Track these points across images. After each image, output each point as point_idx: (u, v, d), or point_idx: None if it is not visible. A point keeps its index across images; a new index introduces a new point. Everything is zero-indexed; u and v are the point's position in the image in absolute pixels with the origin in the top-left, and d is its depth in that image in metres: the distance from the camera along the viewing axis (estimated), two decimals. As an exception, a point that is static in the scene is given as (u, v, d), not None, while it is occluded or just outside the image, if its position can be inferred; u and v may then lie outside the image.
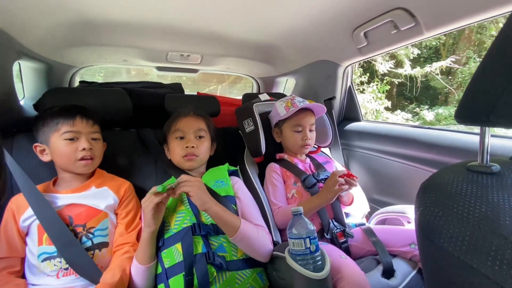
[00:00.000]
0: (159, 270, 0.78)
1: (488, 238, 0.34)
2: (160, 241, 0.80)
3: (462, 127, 0.92)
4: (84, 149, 0.82)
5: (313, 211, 0.97)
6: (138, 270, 0.75)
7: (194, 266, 0.72)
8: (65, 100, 0.94)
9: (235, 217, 0.79)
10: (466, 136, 0.99)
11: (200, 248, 0.76)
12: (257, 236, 0.80)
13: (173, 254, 0.77)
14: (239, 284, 0.75)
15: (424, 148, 1.09)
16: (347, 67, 1.41)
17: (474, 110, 0.45)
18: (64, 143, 0.81)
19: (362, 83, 5.20)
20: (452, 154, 0.98)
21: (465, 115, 0.47)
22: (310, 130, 1.10)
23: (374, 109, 5.06)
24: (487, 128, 0.46)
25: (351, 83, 1.50)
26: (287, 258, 0.69)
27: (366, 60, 1.29)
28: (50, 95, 0.98)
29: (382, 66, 5.11)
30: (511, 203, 0.38)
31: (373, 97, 5.09)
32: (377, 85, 5.23)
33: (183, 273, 0.72)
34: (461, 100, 0.47)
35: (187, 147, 0.92)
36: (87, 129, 0.84)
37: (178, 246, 0.77)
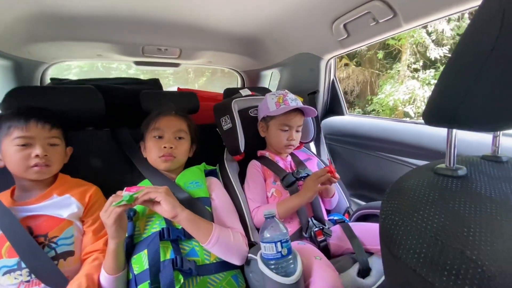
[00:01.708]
0: (130, 276, 0.75)
1: (444, 251, 0.33)
2: (128, 248, 0.77)
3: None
4: (37, 155, 0.75)
5: (292, 210, 0.95)
6: (106, 281, 0.72)
7: (160, 273, 0.70)
8: (29, 99, 0.89)
9: (207, 223, 0.77)
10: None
11: (168, 254, 0.74)
12: (231, 241, 0.78)
13: (142, 260, 0.74)
14: None
15: (408, 142, 1.08)
16: (329, 60, 1.38)
17: (440, 111, 0.43)
18: (15, 149, 0.75)
19: (416, 70, 4.89)
20: (437, 148, 0.97)
21: (431, 116, 0.45)
22: (297, 131, 1.07)
23: (424, 96, 4.78)
24: (453, 130, 0.44)
25: (335, 76, 1.47)
26: (258, 263, 0.67)
27: (348, 52, 1.26)
28: (13, 94, 0.92)
29: (435, 52, 4.67)
30: (471, 212, 0.36)
31: (421, 84, 4.77)
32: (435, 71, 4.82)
33: (148, 281, 0.69)
34: (428, 100, 0.45)
35: (165, 147, 0.88)
36: (42, 134, 0.78)
37: (147, 252, 0.74)
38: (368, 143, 1.27)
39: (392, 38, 5.17)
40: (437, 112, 0.43)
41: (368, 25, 0.97)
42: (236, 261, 0.79)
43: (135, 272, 0.73)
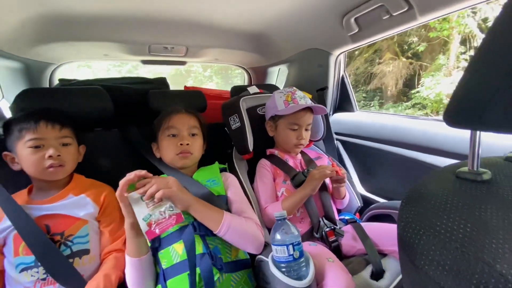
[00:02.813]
0: (158, 270, 0.75)
1: (471, 264, 0.31)
2: (156, 241, 0.77)
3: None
4: (50, 156, 0.76)
5: (298, 204, 0.94)
6: (131, 265, 0.71)
7: (197, 266, 0.69)
8: (39, 101, 0.89)
9: (217, 211, 0.77)
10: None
11: (201, 248, 0.74)
12: (244, 227, 0.77)
13: (170, 255, 0.74)
14: (233, 286, 0.73)
15: (422, 140, 1.04)
16: (339, 55, 1.34)
17: (464, 112, 0.40)
18: (29, 151, 0.75)
19: (465, 60, 4.47)
20: (454, 147, 0.93)
21: (454, 117, 0.42)
22: (306, 129, 1.05)
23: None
24: (478, 131, 0.41)
25: (344, 72, 1.43)
26: (270, 266, 0.66)
27: (358, 47, 1.22)
28: (23, 96, 0.93)
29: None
30: (499, 221, 0.34)
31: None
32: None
33: (187, 272, 0.68)
34: (450, 100, 0.42)
35: (181, 144, 0.87)
36: (53, 135, 0.78)
37: (176, 246, 0.75)
38: (379, 140, 1.23)
39: (435, 30, 4.82)
40: (461, 113, 0.41)
41: (381, 19, 0.94)
42: (252, 249, 0.78)
43: (164, 267, 0.73)
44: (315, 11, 1.09)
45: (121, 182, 0.67)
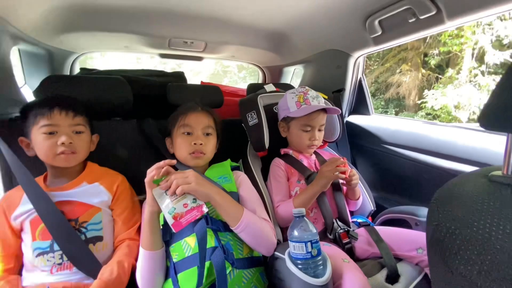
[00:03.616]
0: (168, 263, 0.76)
1: (511, 264, 0.30)
2: (167, 235, 0.77)
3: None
4: (63, 143, 0.76)
5: (309, 201, 0.94)
6: (143, 257, 0.72)
7: (209, 259, 0.70)
8: (62, 88, 0.91)
9: (238, 207, 0.77)
10: (490, 136, 0.92)
11: (212, 242, 0.74)
12: (260, 227, 0.78)
13: (182, 248, 0.75)
14: (245, 283, 0.73)
15: (438, 146, 1.03)
16: (358, 57, 1.33)
17: (501, 115, 0.40)
18: (43, 137, 0.76)
19: (475, 75, 4.41)
20: (472, 155, 0.92)
21: (490, 120, 0.42)
22: (319, 130, 1.04)
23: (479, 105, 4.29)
24: None
25: (362, 74, 1.42)
26: (286, 262, 0.66)
27: (380, 50, 1.21)
28: (48, 82, 0.95)
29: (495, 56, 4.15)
30: None
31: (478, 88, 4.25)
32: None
33: (197, 266, 0.69)
34: (486, 102, 0.42)
35: (195, 144, 0.88)
36: (66, 122, 0.79)
37: (188, 239, 0.75)
38: (394, 144, 1.22)
39: (446, 45, 4.81)
40: (498, 116, 0.40)
41: (407, 22, 0.93)
42: (264, 251, 0.78)
43: (175, 260, 0.74)
44: (338, 12, 1.09)
45: (149, 171, 0.69)
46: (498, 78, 4.36)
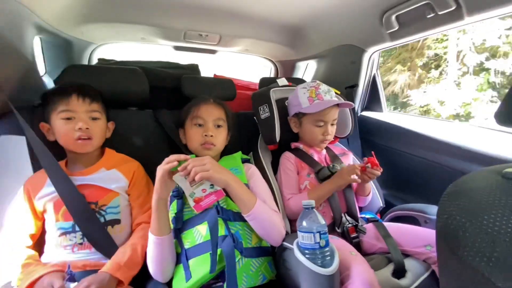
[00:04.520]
0: (178, 250, 0.79)
1: None
2: (179, 223, 0.80)
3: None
4: (80, 128, 0.80)
5: (323, 197, 0.95)
6: (152, 243, 0.75)
7: (219, 246, 0.73)
8: (83, 77, 0.95)
9: (251, 194, 0.79)
10: (505, 135, 0.91)
11: (223, 230, 0.76)
12: (271, 217, 0.80)
13: (194, 235, 0.77)
14: (253, 272, 0.75)
15: (450, 145, 1.02)
16: (373, 53, 1.31)
17: None
18: (62, 122, 0.80)
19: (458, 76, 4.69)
20: (484, 155, 0.91)
21: (507, 116, 0.42)
22: (332, 124, 1.04)
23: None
24: None
25: (377, 70, 1.41)
26: (295, 251, 0.68)
27: (394, 46, 1.19)
28: (70, 71, 0.99)
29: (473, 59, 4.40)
30: None
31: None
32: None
33: (210, 252, 0.72)
34: (503, 101, 0.42)
35: (205, 135, 0.90)
36: (83, 108, 0.82)
37: (199, 227, 0.78)
38: (406, 143, 1.21)
39: (429, 48, 5.10)
40: None
41: (425, 17, 0.91)
42: (273, 241, 0.80)
43: (187, 247, 0.77)
44: (355, 7, 1.08)
45: (167, 161, 0.71)
46: (477, 78, 4.60)
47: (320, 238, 0.66)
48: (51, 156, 0.79)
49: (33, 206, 0.79)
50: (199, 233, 0.77)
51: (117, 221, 0.83)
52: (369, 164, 0.93)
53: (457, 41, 4.51)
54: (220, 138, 0.94)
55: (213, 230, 0.74)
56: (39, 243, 0.81)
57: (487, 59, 4.49)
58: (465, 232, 0.36)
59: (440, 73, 5.02)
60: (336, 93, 1.10)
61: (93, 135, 0.83)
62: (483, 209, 0.37)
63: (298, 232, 0.68)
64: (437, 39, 5.22)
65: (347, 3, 1.07)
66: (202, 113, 0.92)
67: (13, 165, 0.85)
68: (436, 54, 5.15)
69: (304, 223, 0.68)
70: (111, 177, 0.86)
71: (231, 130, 1.02)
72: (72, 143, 0.81)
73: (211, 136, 0.90)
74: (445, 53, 4.89)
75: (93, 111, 0.85)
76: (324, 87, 1.03)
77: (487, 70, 4.63)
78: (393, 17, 1.00)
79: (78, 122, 0.80)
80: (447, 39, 4.59)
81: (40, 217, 0.80)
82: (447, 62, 4.86)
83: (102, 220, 0.81)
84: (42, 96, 0.86)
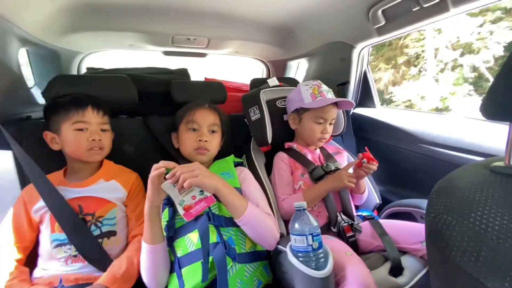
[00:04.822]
0: (172, 258, 0.78)
1: (509, 256, 0.30)
2: (171, 231, 0.79)
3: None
4: (93, 140, 0.83)
5: (319, 198, 0.95)
6: (146, 251, 0.73)
7: (211, 254, 0.72)
8: (70, 87, 0.93)
9: (242, 198, 0.78)
10: (499, 126, 0.90)
11: (214, 237, 0.75)
12: (263, 220, 0.78)
13: (186, 244, 0.76)
14: (247, 277, 0.74)
15: (444, 138, 1.01)
16: (362, 49, 1.31)
17: (502, 105, 0.39)
18: (75, 133, 0.82)
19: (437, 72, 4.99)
20: (477, 147, 0.90)
21: (492, 110, 0.41)
22: (330, 124, 1.04)
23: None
24: None
25: (367, 66, 1.40)
26: (288, 254, 0.67)
27: (382, 41, 1.18)
28: (56, 82, 0.97)
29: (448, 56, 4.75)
30: None
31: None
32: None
33: (201, 260, 0.71)
34: (488, 91, 0.41)
35: (200, 140, 0.89)
36: (97, 120, 0.85)
37: (191, 235, 0.77)
38: (401, 138, 1.20)
39: (407, 47, 5.43)
40: (499, 106, 0.40)
41: (410, 11, 0.90)
42: (267, 245, 0.79)
43: (179, 255, 0.76)
44: (341, 3, 1.07)
45: (156, 167, 0.70)
46: (453, 73, 4.81)
47: (313, 240, 0.65)
48: (39, 170, 0.78)
49: (29, 217, 0.79)
50: (190, 241, 0.76)
51: (113, 233, 0.82)
52: (365, 159, 0.92)
53: (434, 39, 4.83)
54: (214, 143, 0.93)
55: (203, 238, 0.73)
56: (31, 255, 0.80)
57: (461, 55, 4.77)
58: (452, 231, 0.35)
59: (419, 70, 5.30)
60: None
61: (104, 145, 0.86)
62: (470, 206, 0.36)
63: (290, 235, 0.67)
64: (414, 38, 5.47)
65: (333, 0, 1.06)
66: (197, 118, 0.92)
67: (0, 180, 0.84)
68: (415, 53, 5.46)
69: (296, 225, 0.67)
70: (110, 188, 0.86)
71: (225, 134, 1.01)
72: (83, 153, 0.82)
73: (205, 141, 0.89)
74: (423, 51, 5.18)
75: (104, 123, 0.88)
76: (325, 86, 1.04)
77: (461, 66, 4.91)
78: (379, 12, 1.00)
79: (93, 134, 0.83)
80: (424, 38, 4.91)
81: (35, 228, 0.80)
82: (425, 59, 5.15)
83: (98, 232, 0.80)
84: (50, 105, 0.86)
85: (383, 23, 1.04)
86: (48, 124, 0.85)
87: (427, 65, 5.19)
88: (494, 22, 4.19)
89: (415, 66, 5.42)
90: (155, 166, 0.71)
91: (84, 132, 0.82)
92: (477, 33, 4.47)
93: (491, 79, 4.62)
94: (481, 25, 4.36)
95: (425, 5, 0.85)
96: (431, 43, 4.93)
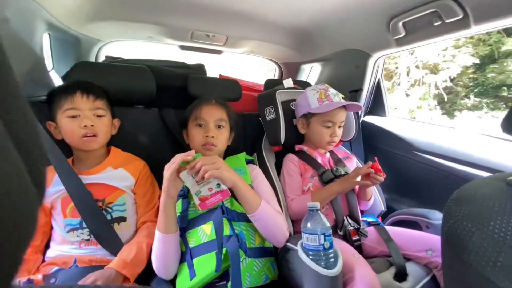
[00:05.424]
0: (183, 249, 0.79)
1: None
2: (184, 222, 0.81)
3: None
4: (85, 126, 0.80)
5: (327, 200, 0.97)
6: (158, 239, 0.75)
7: (224, 246, 0.73)
8: (91, 74, 0.95)
9: (256, 195, 0.80)
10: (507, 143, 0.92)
11: (228, 230, 0.77)
12: (275, 218, 0.80)
13: (199, 235, 0.78)
14: (256, 271, 0.76)
15: (453, 152, 1.03)
16: (379, 58, 1.33)
17: None
18: (67, 120, 0.80)
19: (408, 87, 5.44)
20: (487, 162, 0.92)
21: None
22: (339, 127, 1.06)
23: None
24: None
25: (381, 75, 1.42)
26: (299, 252, 0.69)
27: (399, 52, 1.20)
28: (78, 68, 0.99)
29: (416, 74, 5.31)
30: None
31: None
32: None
33: (215, 251, 0.73)
34: (510, 109, 0.43)
35: (206, 136, 0.90)
36: (88, 105, 0.82)
37: (204, 227, 0.79)
38: (409, 148, 1.22)
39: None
40: None
41: (431, 25, 0.92)
42: (276, 241, 0.81)
43: (191, 246, 0.77)
44: (362, 12, 1.09)
45: (173, 160, 0.71)
46: (421, 90, 5.40)
47: (325, 240, 0.67)
48: (60, 153, 0.79)
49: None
50: (203, 232, 0.78)
51: (123, 219, 0.84)
52: (372, 170, 0.94)
53: (406, 58, 5.57)
54: (222, 138, 0.94)
55: (218, 229, 0.75)
56: (44, 239, 0.81)
57: (427, 73, 5.49)
58: (471, 237, 0.37)
59: (392, 85, 5.91)
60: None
61: (98, 132, 0.83)
62: (489, 215, 0.38)
63: (302, 233, 0.69)
64: (389, 56, 5.95)
65: (355, 8, 1.08)
66: (204, 113, 0.93)
67: None
68: (391, 69, 6.07)
69: (309, 225, 0.69)
70: (118, 176, 0.87)
71: (234, 130, 1.02)
72: (78, 141, 0.81)
73: (212, 137, 0.90)
74: (396, 68, 5.83)
75: (98, 108, 0.85)
76: (332, 90, 1.05)
77: (426, 83, 5.60)
78: (400, 23, 1.02)
79: (83, 120, 0.80)
80: (399, 56, 5.57)
81: (47, 212, 0.81)
82: (399, 76, 5.77)
83: (108, 217, 0.81)
84: (48, 95, 0.86)
85: (403, 34, 1.06)
86: (50, 113, 0.84)
87: (400, 80, 5.81)
88: (456, 47, 4.97)
89: (389, 80, 5.99)
90: (173, 159, 0.72)
91: (77, 119, 0.80)
92: (442, 56, 5.15)
93: (445, 97, 5.27)
94: (445, 49, 5.06)
95: (447, 21, 0.87)
96: (404, 61, 5.67)
